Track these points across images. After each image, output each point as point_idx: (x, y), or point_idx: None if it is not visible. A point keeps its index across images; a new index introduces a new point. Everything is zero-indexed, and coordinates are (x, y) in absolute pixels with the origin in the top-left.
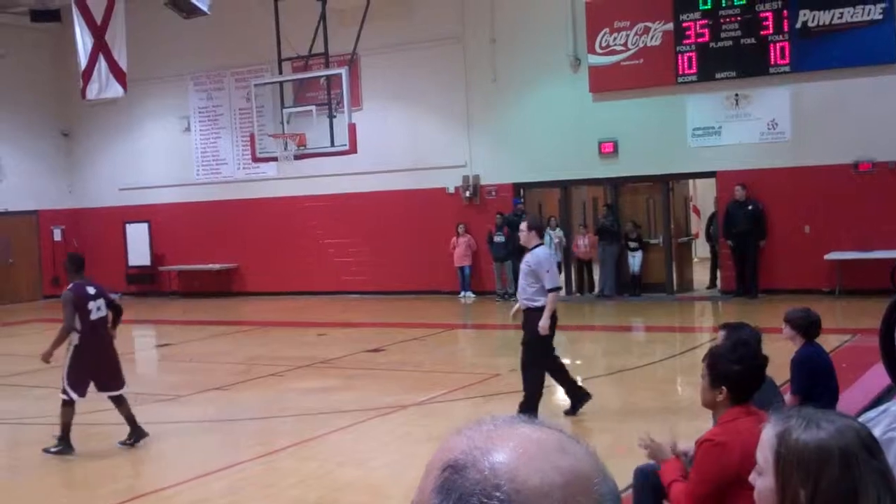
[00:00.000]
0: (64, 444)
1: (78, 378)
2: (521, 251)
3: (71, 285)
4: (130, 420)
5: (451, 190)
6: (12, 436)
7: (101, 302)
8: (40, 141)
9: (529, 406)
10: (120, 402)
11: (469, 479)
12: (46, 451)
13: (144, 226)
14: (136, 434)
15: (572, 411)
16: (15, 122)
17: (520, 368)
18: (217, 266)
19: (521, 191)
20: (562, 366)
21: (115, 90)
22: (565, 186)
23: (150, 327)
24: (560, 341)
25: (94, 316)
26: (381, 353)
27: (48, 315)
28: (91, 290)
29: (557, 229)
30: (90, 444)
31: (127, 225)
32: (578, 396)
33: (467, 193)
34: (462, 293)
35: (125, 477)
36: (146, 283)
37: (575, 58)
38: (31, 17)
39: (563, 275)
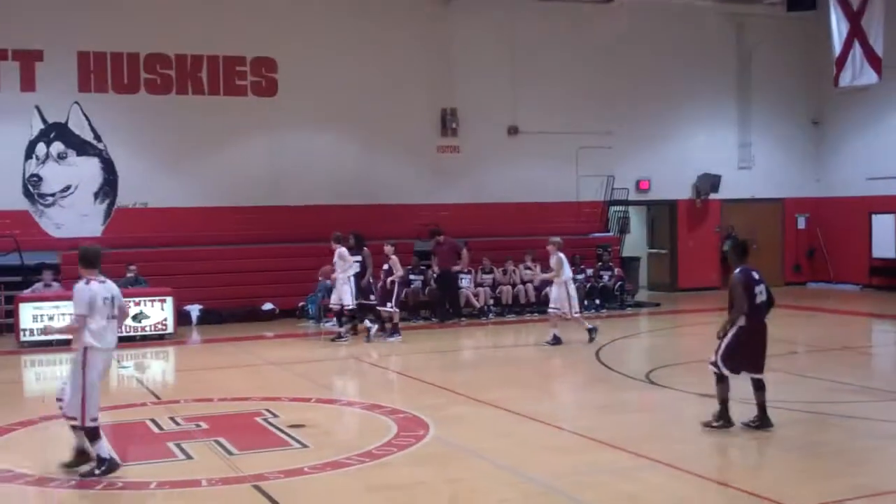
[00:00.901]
0: (724, 420)
1: (734, 355)
2: None
3: (739, 270)
4: (762, 407)
5: None
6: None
7: (762, 287)
8: (790, 129)
9: None
10: (759, 388)
11: None
12: (707, 425)
13: (891, 217)
14: (762, 421)
15: None
16: (767, 111)
17: None
18: None
19: None
20: None
21: (869, 77)
22: None
23: (889, 322)
24: None
25: (758, 300)
26: None
27: (788, 301)
28: (756, 276)
29: None
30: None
31: (873, 216)
32: None
33: None
34: None
35: (853, 473)
36: (890, 276)
37: None
38: (787, 7)
39: None
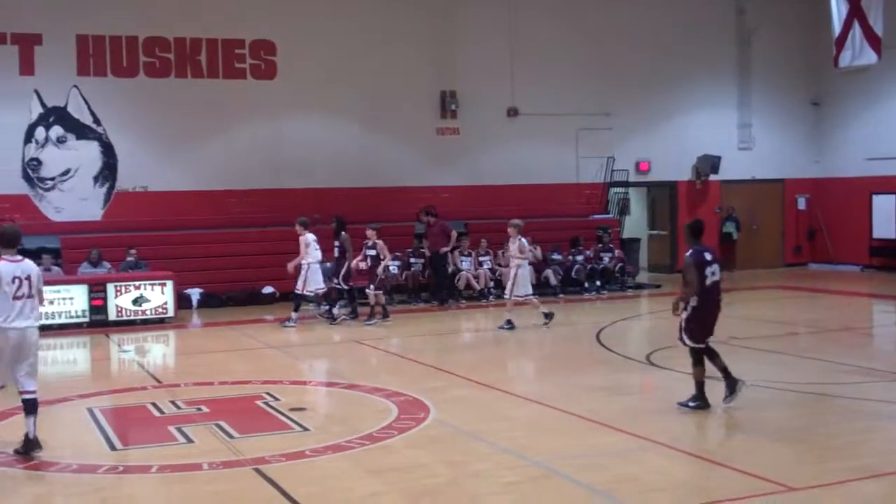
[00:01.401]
0: (700, 401)
1: (691, 329)
2: None
3: (691, 251)
4: (724, 371)
5: None
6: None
7: (715, 267)
8: (790, 111)
9: None
10: (712, 355)
11: None
12: (683, 405)
13: (891, 197)
14: (731, 387)
15: None
16: (767, 92)
17: None
18: None
19: None
20: None
21: (869, 57)
22: None
23: (890, 303)
24: None
25: (709, 281)
26: None
27: (789, 282)
28: (708, 257)
29: None
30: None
31: (873, 196)
32: None
33: None
34: None
35: (853, 454)
36: (891, 256)
37: None
38: None
39: None
